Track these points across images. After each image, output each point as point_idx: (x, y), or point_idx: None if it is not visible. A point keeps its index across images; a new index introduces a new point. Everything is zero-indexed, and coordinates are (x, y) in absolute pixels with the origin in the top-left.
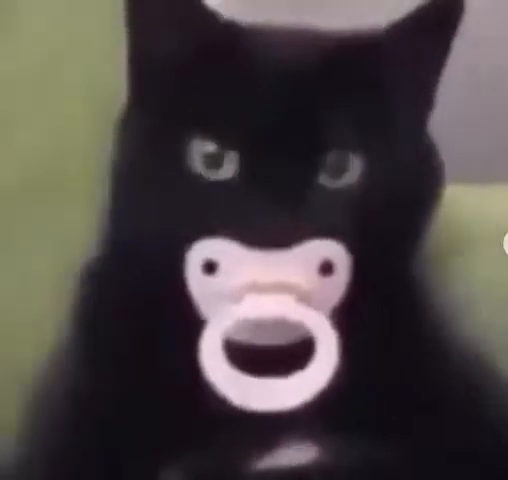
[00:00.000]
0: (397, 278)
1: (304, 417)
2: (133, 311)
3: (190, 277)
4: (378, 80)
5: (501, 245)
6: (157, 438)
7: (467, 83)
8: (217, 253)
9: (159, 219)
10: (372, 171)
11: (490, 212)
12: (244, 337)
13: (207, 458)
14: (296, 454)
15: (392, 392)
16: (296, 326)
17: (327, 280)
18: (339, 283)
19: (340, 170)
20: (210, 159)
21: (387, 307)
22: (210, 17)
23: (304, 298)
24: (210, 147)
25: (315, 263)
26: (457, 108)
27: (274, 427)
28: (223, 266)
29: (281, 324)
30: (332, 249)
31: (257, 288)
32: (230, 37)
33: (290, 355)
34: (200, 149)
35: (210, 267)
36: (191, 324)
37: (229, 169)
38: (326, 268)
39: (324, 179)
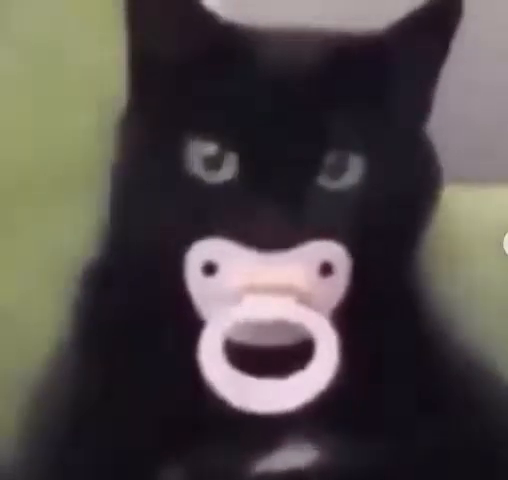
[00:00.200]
0: (396, 278)
1: (304, 418)
2: (133, 312)
3: (190, 278)
4: (378, 80)
5: (501, 245)
6: (157, 438)
7: (467, 83)
8: (217, 254)
9: (159, 220)
10: (372, 172)
11: (489, 212)
12: (244, 338)
13: (207, 458)
14: (296, 455)
15: (392, 393)
16: (296, 327)
17: (327, 281)
18: (339, 284)
19: (340, 171)
20: (210, 161)
21: (386, 308)
22: (209, 18)
23: (304, 299)
24: (210, 148)
25: (315, 264)
26: (457, 108)
27: (274, 427)
28: (223, 267)
29: (281, 325)
30: (332, 250)
31: (256, 289)
32: (229, 38)
33: (290, 356)
34: (200, 151)
35: (210, 268)
36: (191, 325)
37: (228, 171)
38: (326, 269)
39: (324, 180)
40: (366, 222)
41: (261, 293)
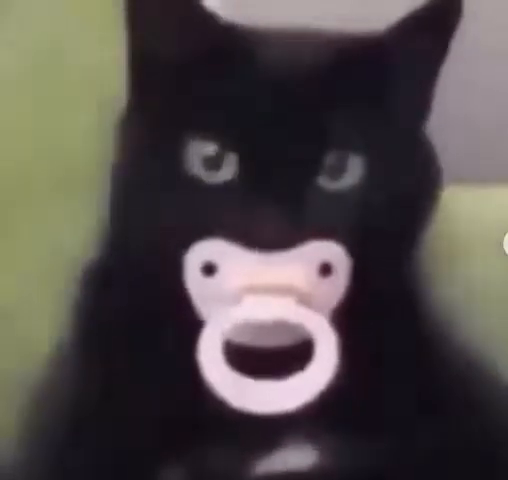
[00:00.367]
0: (396, 279)
1: (304, 418)
2: (133, 312)
3: (189, 279)
4: (378, 80)
5: (500, 245)
6: (157, 438)
7: (467, 83)
8: (216, 255)
9: (159, 220)
10: (372, 172)
11: (489, 212)
12: (244, 339)
13: (207, 459)
14: (296, 455)
15: (392, 393)
16: (296, 328)
17: (327, 281)
18: (338, 284)
19: (339, 171)
20: (210, 161)
21: (386, 308)
22: (209, 18)
23: (304, 300)
24: (210, 148)
25: (314, 265)
26: (457, 108)
27: (274, 428)
28: (222, 268)
29: (281, 326)
30: (331, 250)
31: (256, 290)
32: (229, 38)
33: (290, 357)
34: (200, 151)
35: (209, 269)
36: (190, 325)
37: (228, 171)
38: (325, 269)
39: (324, 180)
40: (366, 222)
41: (261, 293)
